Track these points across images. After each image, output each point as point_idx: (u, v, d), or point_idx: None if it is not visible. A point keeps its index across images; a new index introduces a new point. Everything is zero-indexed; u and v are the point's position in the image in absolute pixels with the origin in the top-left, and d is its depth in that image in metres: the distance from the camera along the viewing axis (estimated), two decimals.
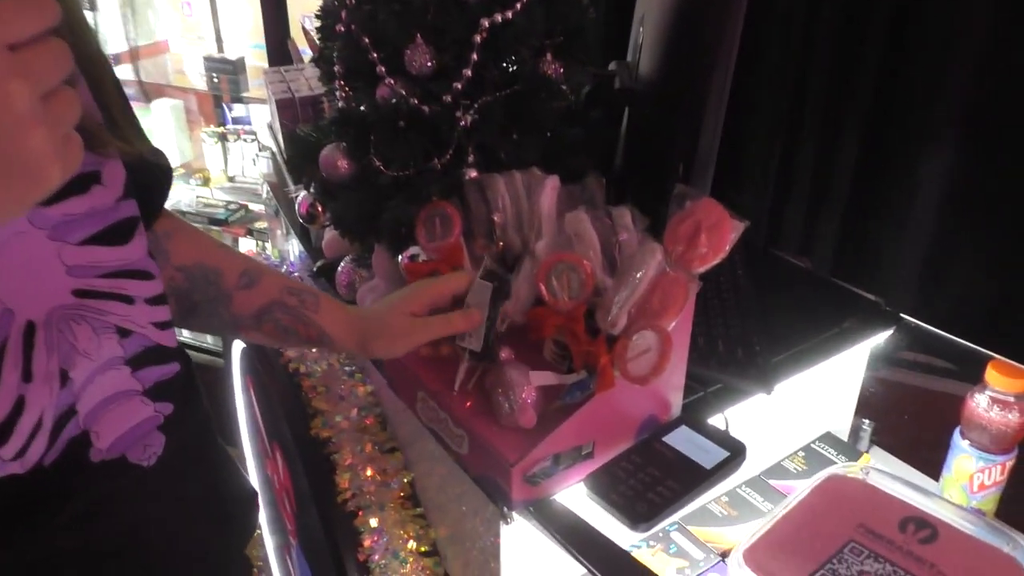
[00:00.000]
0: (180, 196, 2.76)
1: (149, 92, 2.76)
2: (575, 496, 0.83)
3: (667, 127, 1.05)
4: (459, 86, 0.97)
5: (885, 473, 0.84)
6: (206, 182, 2.75)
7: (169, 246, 0.78)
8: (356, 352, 0.84)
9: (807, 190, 1.56)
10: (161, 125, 2.73)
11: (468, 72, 0.97)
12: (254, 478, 1.71)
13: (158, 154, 0.75)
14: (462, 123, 0.98)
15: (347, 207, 1.06)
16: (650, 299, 0.79)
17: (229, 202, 2.70)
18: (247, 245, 2.68)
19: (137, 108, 2.75)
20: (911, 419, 1.26)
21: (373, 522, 1.01)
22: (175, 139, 2.77)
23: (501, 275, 0.81)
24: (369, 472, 1.04)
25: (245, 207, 2.70)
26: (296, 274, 1.34)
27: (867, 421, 1.16)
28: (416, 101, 0.99)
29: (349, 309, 0.86)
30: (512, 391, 0.80)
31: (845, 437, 1.16)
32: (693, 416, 0.88)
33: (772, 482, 1.06)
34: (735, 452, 0.83)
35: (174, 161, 2.80)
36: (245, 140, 2.68)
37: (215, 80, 2.55)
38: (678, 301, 0.78)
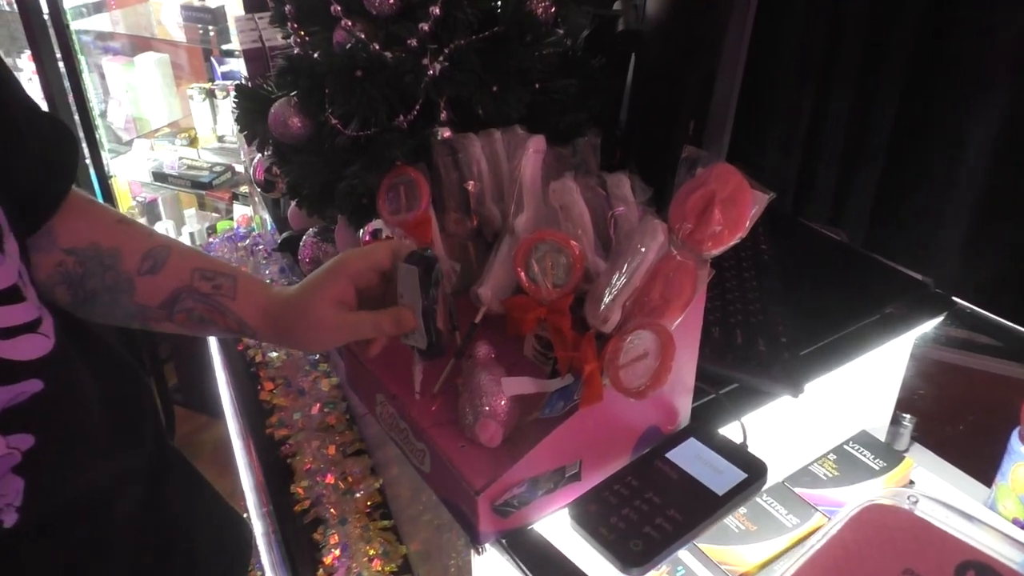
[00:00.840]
0: (163, 158, 2.62)
1: (135, 46, 2.60)
2: (560, 524, 0.68)
3: (678, 76, 0.89)
4: (426, 27, 0.83)
5: (937, 502, 0.69)
6: (193, 142, 2.60)
7: (56, 225, 0.65)
8: (275, 344, 0.69)
9: (840, 149, 1.41)
10: (146, 81, 2.58)
11: (436, 10, 0.82)
12: (239, 457, 1.57)
13: (57, 128, 0.62)
14: (430, 72, 0.84)
15: (302, 173, 0.92)
16: (650, 289, 0.65)
17: (214, 164, 2.55)
18: (240, 211, 2.54)
19: (120, 63, 2.61)
20: (958, 410, 1.11)
21: (334, 537, 0.88)
22: (161, 96, 2.61)
23: (427, 257, 0.67)
24: (329, 479, 0.91)
25: (231, 169, 2.55)
26: (260, 246, 1.21)
27: (908, 416, 1.02)
28: (377, 46, 0.84)
29: (271, 293, 0.72)
30: (479, 399, 0.66)
31: (883, 436, 1.02)
32: (703, 426, 0.74)
33: (798, 490, 0.93)
34: (754, 473, 0.69)
35: (160, 120, 2.66)
36: None
37: (209, 32, 2.38)
38: (684, 292, 0.63)
